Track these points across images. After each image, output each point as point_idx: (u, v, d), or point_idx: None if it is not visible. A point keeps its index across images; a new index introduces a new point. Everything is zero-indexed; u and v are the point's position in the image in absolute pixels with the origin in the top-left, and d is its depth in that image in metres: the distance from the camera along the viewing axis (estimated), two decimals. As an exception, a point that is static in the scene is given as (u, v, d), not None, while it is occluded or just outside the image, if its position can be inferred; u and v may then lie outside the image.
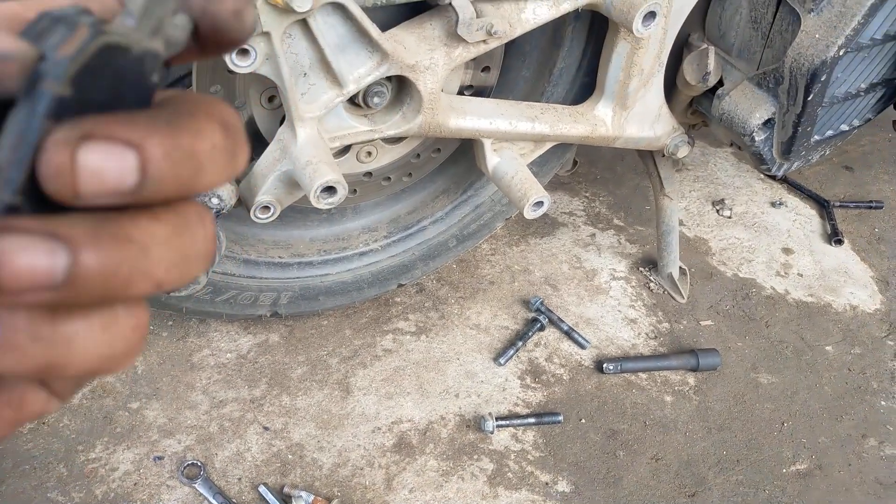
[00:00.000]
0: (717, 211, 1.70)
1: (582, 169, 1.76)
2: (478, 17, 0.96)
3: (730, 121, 1.19)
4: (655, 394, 1.34)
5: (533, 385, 1.32)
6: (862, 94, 1.16)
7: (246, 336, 1.34)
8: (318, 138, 0.96)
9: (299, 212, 1.24)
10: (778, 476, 1.26)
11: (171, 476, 1.14)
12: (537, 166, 1.28)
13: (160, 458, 1.16)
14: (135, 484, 1.13)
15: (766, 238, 1.66)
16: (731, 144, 1.29)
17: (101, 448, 1.16)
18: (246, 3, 0.24)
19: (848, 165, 1.88)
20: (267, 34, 0.82)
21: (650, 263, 1.55)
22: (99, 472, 1.14)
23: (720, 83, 1.21)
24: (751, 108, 1.16)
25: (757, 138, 1.18)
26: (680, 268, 1.49)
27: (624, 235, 1.62)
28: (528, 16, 1.00)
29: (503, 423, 1.24)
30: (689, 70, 1.19)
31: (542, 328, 1.39)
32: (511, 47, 1.15)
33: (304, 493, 1.12)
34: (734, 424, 1.32)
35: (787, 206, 1.74)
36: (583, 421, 1.28)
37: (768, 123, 1.18)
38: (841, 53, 1.03)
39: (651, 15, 1.02)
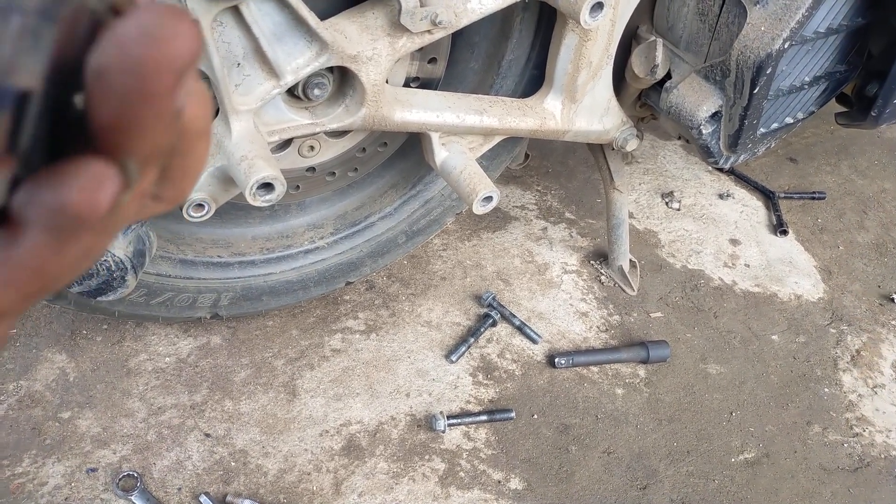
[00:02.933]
0: (667, 203, 1.71)
1: (534, 162, 1.75)
2: (422, 6, 0.93)
3: (677, 114, 1.18)
4: (607, 387, 1.34)
5: (485, 382, 1.31)
6: (806, 86, 1.17)
7: (186, 339, 1.28)
8: (255, 132, 0.91)
9: (240, 209, 1.19)
10: (727, 465, 1.27)
11: (106, 489, 1.08)
12: (487, 160, 1.25)
13: (94, 469, 1.10)
14: (66, 498, 1.06)
15: (714, 230, 1.67)
16: (680, 138, 1.29)
17: (29, 462, 1.10)
18: None
19: (792, 157, 1.91)
20: (196, 22, 0.77)
21: (601, 256, 1.55)
22: (26, 488, 1.07)
23: (668, 76, 1.21)
24: (698, 101, 1.16)
25: (704, 131, 1.18)
26: (630, 260, 1.49)
27: (575, 229, 1.61)
28: (473, 5, 0.97)
29: (455, 421, 1.22)
30: (637, 62, 1.18)
31: (494, 324, 1.37)
32: (459, 38, 1.12)
33: (247, 502, 1.07)
34: (684, 415, 1.33)
35: (734, 198, 1.76)
36: (535, 416, 1.27)
37: (715, 116, 1.18)
38: (786, 46, 1.03)
39: (598, 6, 1.00)
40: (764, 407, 1.36)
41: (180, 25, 0.19)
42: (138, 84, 0.19)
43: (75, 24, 0.20)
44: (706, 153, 1.24)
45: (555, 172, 1.73)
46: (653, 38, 1.18)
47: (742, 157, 1.28)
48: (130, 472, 1.08)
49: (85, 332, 1.27)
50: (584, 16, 1.00)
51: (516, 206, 1.64)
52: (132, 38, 0.19)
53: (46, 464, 1.09)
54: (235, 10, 0.81)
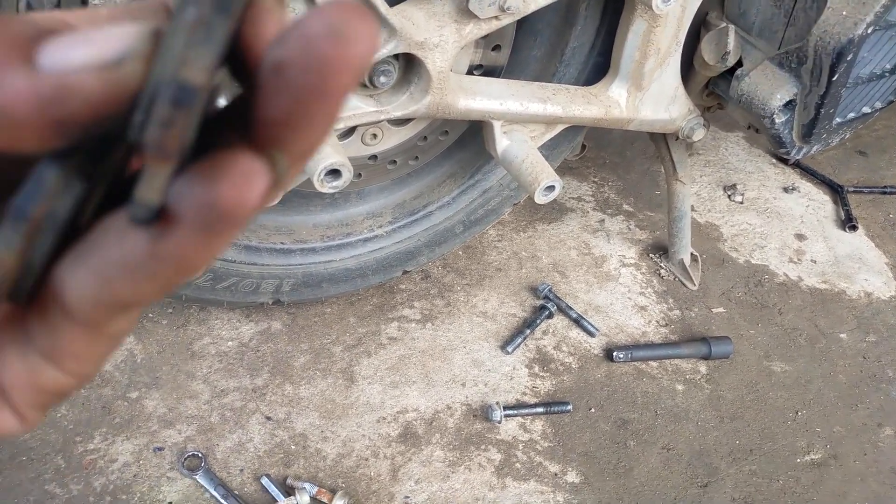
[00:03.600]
0: (729, 196, 1.66)
1: (590, 153, 1.72)
2: (490, -9, 0.91)
3: (749, 102, 1.15)
4: (666, 382, 1.31)
5: (541, 373, 1.29)
6: (887, 74, 1.12)
7: (248, 324, 1.31)
8: (323, 119, 0.92)
9: (302, 196, 1.20)
10: (792, 466, 1.23)
11: (172, 467, 1.11)
12: (547, 150, 1.24)
13: (160, 448, 1.13)
14: (134, 475, 1.10)
15: (779, 224, 1.62)
16: (749, 127, 1.24)
17: (100, 439, 1.13)
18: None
19: (862, 150, 1.84)
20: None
21: (660, 250, 1.51)
22: (98, 464, 1.11)
23: (739, 63, 1.17)
24: (771, 89, 1.12)
25: (777, 120, 1.14)
26: (691, 254, 1.46)
27: (633, 221, 1.58)
28: (542, -9, 0.95)
29: (511, 412, 1.21)
30: (707, 49, 1.14)
31: (550, 316, 1.36)
32: (522, 25, 1.10)
33: (307, 485, 1.09)
34: (747, 413, 1.29)
35: (799, 192, 1.70)
36: (592, 410, 1.25)
37: (789, 105, 1.14)
38: (869, 31, 0.99)
39: (671, -10, 0.97)
40: (831, 407, 1.32)
41: (365, 25, 0.19)
42: (318, 81, 0.19)
43: (241, 17, 0.20)
44: (778, 143, 1.20)
45: (612, 164, 1.70)
46: (724, 24, 1.14)
47: (815, 148, 1.23)
48: (195, 453, 1.11)
49: (151, 315, 1.31)
50: (657, 1, 0.97)
51: (573, 198, 1.62)
52: (320, 36, 0.18)
53: (116, 441, 1.13)
54: (308, -3, 0.81)
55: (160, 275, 0.20)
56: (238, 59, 0.21)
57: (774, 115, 1.14)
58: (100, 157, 0.21)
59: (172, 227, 0.19)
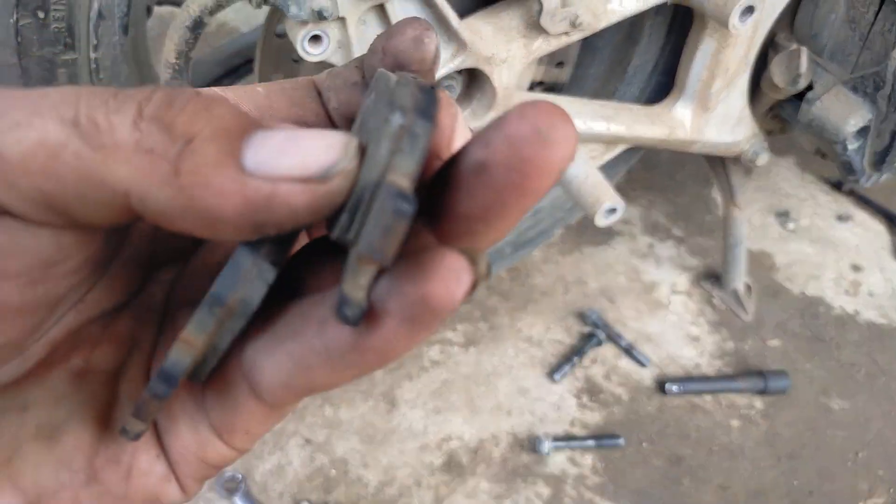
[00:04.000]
0: (781, 224, 1.61)
1: (638, 174, 1.67)
2: (562, 6, 0.88)
3: (820, 127, 1.10)
4: (721, 417, 1.25)
5: (590, 404, 1.24)
6: (969, 102, 1.06)
7: (287, 341, 1.27)
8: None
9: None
10: (854, 512, 1.17)
11: (210, 489, 1.06)
12: (604, 171, 1.19)
13: (196, 469, 1.09)
14: (170, 497, 1.05)
15: (834, 254, 1.56)
16: (816, 152, 1.19)
17: (135, 456, 1.09)
18: (425, 28, 0.25)
19: (917, 179, 1.77)
20: (342, 20, 0.75)
21: (712, 277, 1.46)
22: (132, 483, 1.07)
23: (808, 87, 1.12)
24: (844, 114, 1.07)
25: (849, 147, 1.09)
26: (745, 283, 1.40)
27: (684, 247, 1.52)
28: (614, 6, 0.92)
29: (560, 444, 1.16)
30: (777, 71, 1.10)
31: (599, 343, 1.31)
32: (585, 42, 1.07)
33: (349, 514, 1.04)
34: (805, 452, 1.23)
35: (854, 221, 1.64)
36: (644, 445, 1.20)
37: (862, 131, 1.08)
38: (958, 57, 0.94)
39: (749, 10, 0.93)
40: (893, 448, 1.25)
41: (568, 129, 0.19)
42: (520, 181, 0.19)
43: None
44: (847, 170, 1.14)
45: (661, 186, 1.65)
46: (794, 46, 1.10)
47: (884, 177, 1.17)
48: (234, 474, 1.07)
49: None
50: (734, 19, 0.93)
51: (620, 221, 1.57)
52: (525, 138, 0.19)
53: (151, 460, 1.09)
54: (380, 9, 0.78)
55: (361, 365, 0.21)
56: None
57: (847, 142, 1.09)
58: (288, 244, 0.22)
59: (379, 322, 0.20)
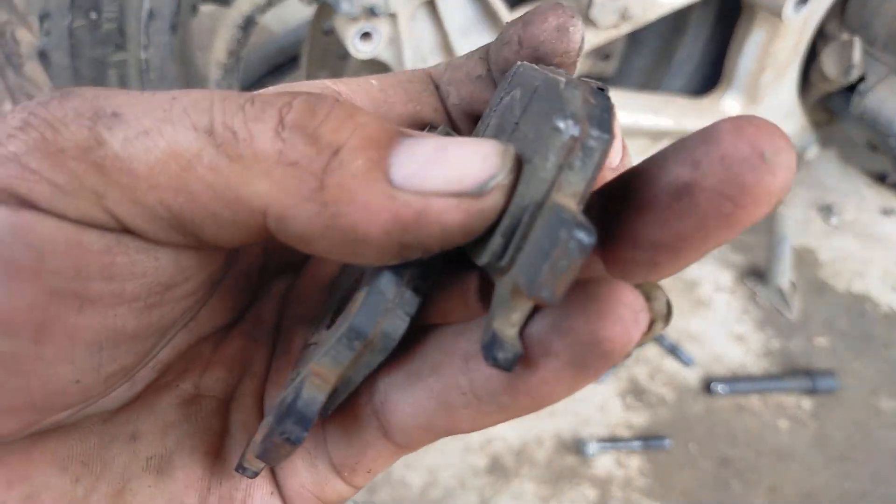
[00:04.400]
0: (824, 218, 1.57)
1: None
2: (612, -2, 0.86)
3: (873, 119, 1.06)
4: (769, 418, 1.22)
5: (635, 405, 1.22)
6: None
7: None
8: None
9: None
10: (909, 515, 1.13)
11: (253, 492, 1.06)
12: (648, 166, 1.17)
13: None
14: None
15: (880, 249, 1.52)
16: (868, 145, 1.16)
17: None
18: (570, 15, 0.22)
19: (963, 171, 1.72)
20: (393, 16, 0.73)
21: (755, 274, 1.43)
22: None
23: (860, 78, 1.09)
24: (900, 105, 1.04)
25: (905, 139, 1.06)
26: (789, 280, 1.37)
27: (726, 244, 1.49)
28: (664, -2, 0.89)
29: (605, 445, 1.14)
30: (828, 63, 1.07)
31: (642, 343, 1.28)
32: (631, 34, 1.04)
33: (394, 517, 1.03)
34: (856, 454, 1.20)
35: (899, 215, 1.60)
36: (691, 446, 1.17)
37: (919, 123, 1.05)
38: None
39: (805, -2, 0.91)
40: (949, 451, 1.21)
41: (791, 152, 0.17)
42: (732, 210, 0.17)
43: None
44: (901, 164, 1.11)
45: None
46: (845, 36, 1.07)
47: (939, 170, 1.14)
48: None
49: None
50: (788, 9, 0.90)
51: (658, 217, 1.54)
52: (745, 161, 0.16)
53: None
54: (431, 5, 0.76)
55: (513, 409, 0.19)
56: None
57: (902, 134, 1.06)
58: (433, 267, 0.20)
59: (540, 362, 0.18)
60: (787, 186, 0.17)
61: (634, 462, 1.14)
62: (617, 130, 0.20)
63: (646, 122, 1.02)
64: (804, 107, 1.15)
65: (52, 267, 0.18)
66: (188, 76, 0.85)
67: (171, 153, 0.18)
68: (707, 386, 1.23)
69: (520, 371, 0.18)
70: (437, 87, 0.25)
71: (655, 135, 1.06)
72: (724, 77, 1.07)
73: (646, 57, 1.10)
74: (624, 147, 0.22)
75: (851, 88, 1.10)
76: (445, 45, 0.82)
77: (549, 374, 0.18)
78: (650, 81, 1.12)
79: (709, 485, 1.13)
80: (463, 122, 0.25)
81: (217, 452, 0.23)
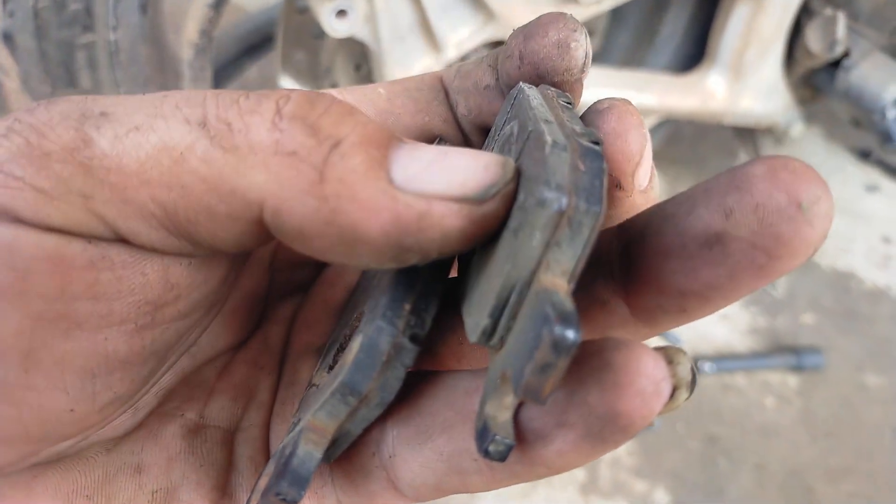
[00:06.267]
0: (809, 196, 1.57)
1: (662, 148, 1.63)
2: (594, -28, 0.84)
3: (857, 95, 1.06)
4: (755, 396, 1.23)
5: (621, 384, 1.22)
6: None
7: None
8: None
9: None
10: (893, 487, 1.14)
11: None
12: (632, 145, 1.16)
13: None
14: None
15: (864, 226, 1.52)
16: (852, 121, 1.16)
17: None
18: (572, 29, 0.21)
19: (947, 147, 1.73)
20: (369, -10, 0.72)
21: (741, 252, 1.43)
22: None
23: (844, 54, 1.08)
24: (884, 81, 1.03)
25: (888, 115, 1.05)
26: (776, 258, 1.37)
27: (711, 222, 1.49)
28: (647, -28, 0.88)
29: (592, 426, 1.14)
30: (812, 38, 1.06)
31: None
32: (613, 10, 1.03)
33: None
34: (841, 430, 1.20)
35: (882, 191, 1.60)
36: (678, 425, 1.17)
37: (903, 98, 1.05)
38: None
39: (789, -29, 0.89)
40: (932, 424, 1.22)
41: (829, 199, 0.16)
42: (765, 262, 0.16)
43: None
44: (885, 139, 1.11)
45: (684, 159, 1.62)
46: (829, 11, 1.06)
47: (923, 145, 1.14)
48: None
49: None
50: (772, -18, 0.89)
51: (644, 197, 1.54)
52: (781, 212, 0.16)
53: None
54: (408, -23, 0.74)
55: (526, 476, 0.18)
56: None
57: (885, 109, 1.06)
58: (429, 311, 0.19)
59: (555, 434, 0.17)
60: (825, 235, 0.16)
61: (622, 442, 1.15)
62: (638, 145, 0.19)
63: (630, 99, 1.00)
64: (789, 83, 1.14)
65: (36, 288, 0.17)
66: (160, 57, 0.82)
67: (163, 147, 0.17)
68: (694, 365, 1.23)
69: (534, 442, 0.17)
70: (447, 94, 0.24)
71: (640, 112, 1.05)
72: (708, 54, 1.06)
73: (629, 34, 1.09)
74: (652, 168, 0.21)
75: (836, 64, 1.09)
76: (424, 23, 0.80)
77: (564, 447, 0.17)
78: (634, 58, 1.11)
79: (696, 463, 1.13)
80: (473, 133, 0.24)
81: (223, 487, 0.23)
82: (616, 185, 0.20)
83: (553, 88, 0.20)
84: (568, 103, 0.20)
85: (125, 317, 0.19)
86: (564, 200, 0.16)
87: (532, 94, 0.20)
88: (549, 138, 0.17)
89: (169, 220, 0.18)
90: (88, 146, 0.17)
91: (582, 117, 0.20)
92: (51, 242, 0.17)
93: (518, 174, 0.17)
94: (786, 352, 1.26)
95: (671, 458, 1.13)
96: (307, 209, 0.17)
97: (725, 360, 1.24)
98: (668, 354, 0.17)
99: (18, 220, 0.17)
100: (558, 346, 0.15)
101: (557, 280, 0.16)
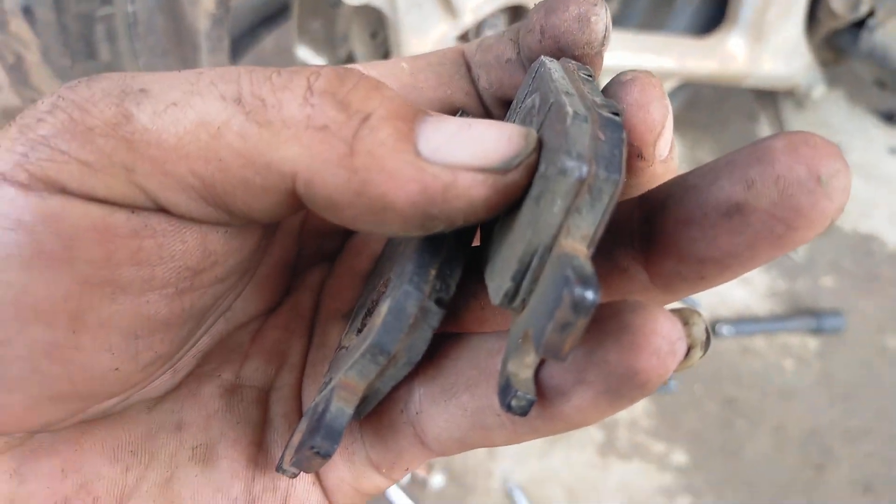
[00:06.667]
0: (831, 158, 1.55)
1: (681, 112, 1.61)
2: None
3: (882, 56, 1.04)
4: (774, 359, 1.23)
5: (640, 349, 1.23)
6: None
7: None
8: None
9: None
10: (912, 449, 1.15)
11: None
12: (651, 109, 1.15)
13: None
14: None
15: (887, 189, 1.50)
16: (877, 83, 1.13)
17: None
18: (592, 3, 0.21)
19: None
20: (384, -45, 0.71)
21: (760, 216, 1.42)
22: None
23: (869, 13, 1.06)
24: (910, 37, 1.01)
25: (914, 73, 1.03)
26: (796, 221, 1.36)
27: (730, 186, 1.48)
28: (666, -69, 0.86)
29: (611, 389, 1.15)
30: (836, -5, 1.03)
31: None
32: (631, -28, 1.01)
33: (405, 464, 1.05)
34: (861, 392, 1.21)
35: (907, 153, 1.57)
36: (696, 387, 1.18)
37: (929, 56, 1.02)
38: None
39: (812, -74, 0.87)
40: (953, 386, 1.22)
41: (847, 173, 0.16)
42: (784, 232, 0.17)
43: None
44: (910, 99, 1.08)
45: (704, 123, 1.60)
46: (854, -34, 1.03)
47: (949, 104, 1.11)
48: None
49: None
50: (795, -62, 0.87)
51: (662, 162, 1.53)
52: (801, 184, 0.16)
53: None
54: (423, -59, 0.74)
55: (546, 430, 0.19)
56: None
57: (911, 68, 1.03)
58: (454, 275, 0.20)
59: (574, 391, 0.17)
60: (842, 208, 0.17)
61: (640, 404, 1.16)
62: (660, 115, 0.19)
63: (649, 63, 0.99)
64: (810, 45, 1.12)
65: (82, 255, 0.18)
66: (177, 29, 0.83)
67: (201, 123, 0.18)
68: (713, 328, 1.24)
69: (554, 398, 0.18)
70: (469, 68, 0.25)
71: (659, 76, 1.04)
72: (728, 15, 1.04)
73: (648, -5, 1.07)
74: (672, 139, 0.22)
75: (860, 24, 1.07)
76: (440, -12, 0.79)
77: (583, 403, 0.18)
78: (653, 21, 1.09)
79: (714, 425, 1.15)
80: (495, 106, 0.25)
81: (260, 443, 0.24)
82: (638, 155, 0.20)
83: (574, 61, 0.21)
84: (589, 76, 0.20)
85: (166, 281, 0.20)
86: (585, 169, 0.16)
87: (553, 67, 0.20)
88: (570, 109, 0.17)
89: (207, 192, 0.19)
90: (129, 121, 0.18)
91: (605, 89, 0.21)
92: (96, 212, 0.18)
93: (540, 144, 0.18)
94: (805, 314, 1.26)
95: (689, 419, 1.15)
96: (338, 180, 0.17)
97: (745, 322, 1.24)
98: (684, 315, 0.18)
99: (65, 191, 0.18)
100: (578, 306, 0.15)
101: (577, 245, 0.17)
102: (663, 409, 1.16)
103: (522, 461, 1.09)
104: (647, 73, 0.21)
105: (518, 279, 0.18)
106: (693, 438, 1.13)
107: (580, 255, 0.16)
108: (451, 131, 0.18)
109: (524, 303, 0.18)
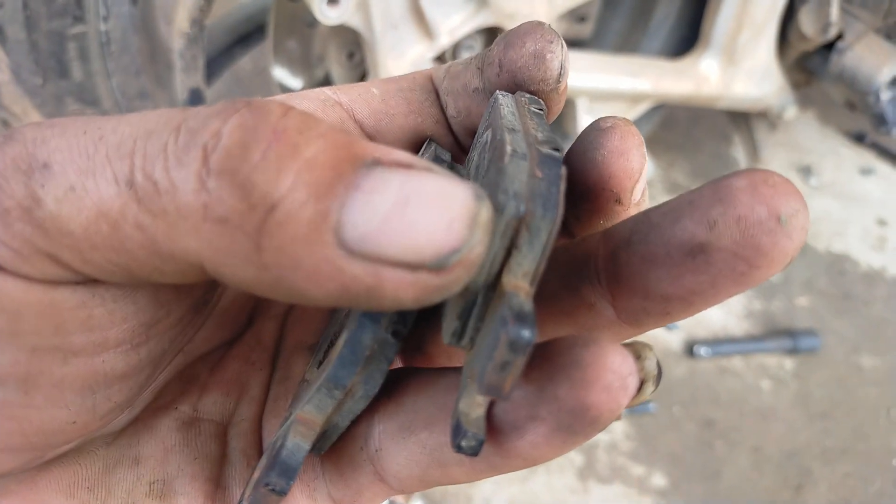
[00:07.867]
0: (804, 179, 1.57)
1: (657, 133, 1.63)
2: (587, -44, 0.84)
3: (851, 78, 1.06)
4: (751, 379, 1.23)
5: (618, 370, 1.22)
6: None
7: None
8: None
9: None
10: (888, 468, 1.15)
11: None
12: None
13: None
14: None
15: (858, 209, 1.53)
16: (846, 104, 1.16)
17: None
18: (548, 40, 0.21)
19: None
20: (360, -24, 0.71)
21: (736, 237, 1.43)
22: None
23: (838, 36, 1.08)
24: (877, 63, 1.03)
25: (882, 97, 1.05)
26: (771, 241, 1.37)
27: (706, 207, 1.50)
28: (640, -44, 0.88)
29: (590, 411, 1.15)
30: (806, 20, 1.06)
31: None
32: (606, -4, 1.03)
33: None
34: (837, 412, 1.21)
35: (877, 174, 1.61)
36: (675, 409, 1.18)
37: (896, 80, 1.05)
38: None
39: (781, -47, 0.89)
40: (927, 404, 1.23)
41: (806, 212, 0.17)
42: (746, 270, 0.17)
43: None
44: (879, 122, 1.11)
45: (679, 145, 1.62)
46: (823, -8, 1.05)
47: (917, 127, 1.14)
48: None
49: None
50: (765, -35, 0.89)
51: (639, 183, 1.54)
52: (761, 224, 0.17)
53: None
54: (399, -37, 0.74)
55: (503, 468, 0.19)
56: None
57: (879, 92, 1.06)
58: (412, 314, 0.20)
59: (528, 428, 0.17)
60: (801, 246, 0.17)
61: (619, 426, 1.15)
62: (637, 162, 0.20)
63: (623, 85, 1.00)
64: (782, 67, 1.14)
65: (28, 328, 0.17)
66: (151, 48, 0.82)
67: (99, 212, 0.16)
68: (690, 349, 1.24)
69: (509, 434, 0.18)
70: (437, 94, 0.25)
71: (634, 98, 1.05)
72: (701, 38, 1.06)
73: (622, 19, 1.09)
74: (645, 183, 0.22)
75: (829, 47, 1.09)
76: (416, 11, 0.79)
77: (537, 439, 0.17)
78: (627, 44, 1.11)
79: (693, 446, 1.14)
80: (463, 135, 0.25)
81: (217, 480, 0.23)
82: (616, 200, 0.21)
83: (528, 95, 0.21)
84: (539, 109, 0.21)
85: (121, 340, 0.19)
86: (522, 207, 0.16)
87: (505, 102, 0.20)
88: (509, 148, 0.18)
89: (129, 273, 0.17)
90: (39, 205, 0.16)
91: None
92: (37, 290, 0.17)
93: (492, 223, 0.17)
94: (782, 335, 1.27)
95: (668, 441, 1.14)
96: (248, 275, 0.16)
97: (722, 343, 1.25)
98: (636, 350, 0.18)
99: (3, 269, 0.17)
100: (514, 345, 0.15)
101: (520, 282, 0.17)
102: (642, 431, 1.15)
103: (502, 486, 1.07)
104: (626, 120, 0.21)
105: (464, 317, 0.18)
106: (672, 460, 1.12)
107: (521, 292, 0.16)
108: (383, 213, 0.15)
109: (472, 341, 0.18)
